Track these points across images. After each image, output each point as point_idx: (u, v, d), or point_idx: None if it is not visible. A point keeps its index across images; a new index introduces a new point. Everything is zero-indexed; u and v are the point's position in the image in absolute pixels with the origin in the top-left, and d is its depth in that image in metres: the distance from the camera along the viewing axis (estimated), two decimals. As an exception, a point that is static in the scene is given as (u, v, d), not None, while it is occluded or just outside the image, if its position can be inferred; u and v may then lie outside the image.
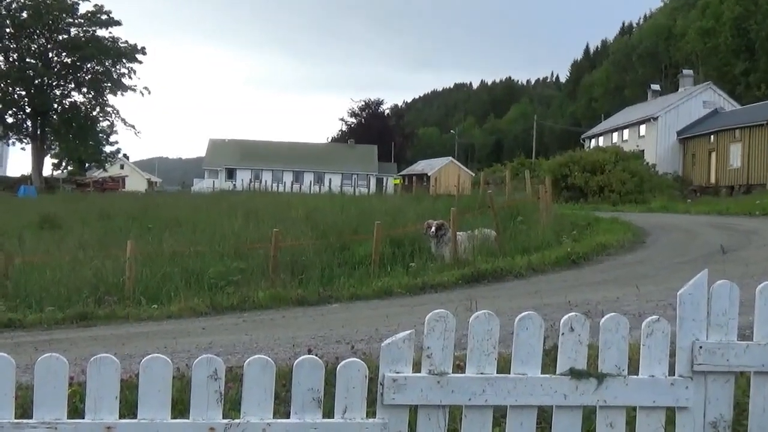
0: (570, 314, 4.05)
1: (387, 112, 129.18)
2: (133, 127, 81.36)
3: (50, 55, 68.31)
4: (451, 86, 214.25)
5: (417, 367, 3.94)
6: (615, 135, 69.12)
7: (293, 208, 27.42)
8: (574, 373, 3.99)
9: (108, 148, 73.89)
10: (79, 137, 68.17)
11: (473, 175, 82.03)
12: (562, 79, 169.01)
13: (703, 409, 4.12)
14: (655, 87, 77.80)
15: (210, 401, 3.72)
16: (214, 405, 3.73)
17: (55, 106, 68.73)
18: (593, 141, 73.18)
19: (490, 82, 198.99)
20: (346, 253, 18.23)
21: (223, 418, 3.76)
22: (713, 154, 54.73)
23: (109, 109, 71.26)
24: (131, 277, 14.20)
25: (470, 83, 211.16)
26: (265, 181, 70.91)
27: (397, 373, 3.86)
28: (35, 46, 68.16)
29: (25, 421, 3.61)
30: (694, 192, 50.98)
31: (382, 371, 3.87)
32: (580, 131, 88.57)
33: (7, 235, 22.42)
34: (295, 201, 32.78)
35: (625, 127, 67.54)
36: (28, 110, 66.76)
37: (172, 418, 3.74)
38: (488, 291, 13.20)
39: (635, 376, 4.07)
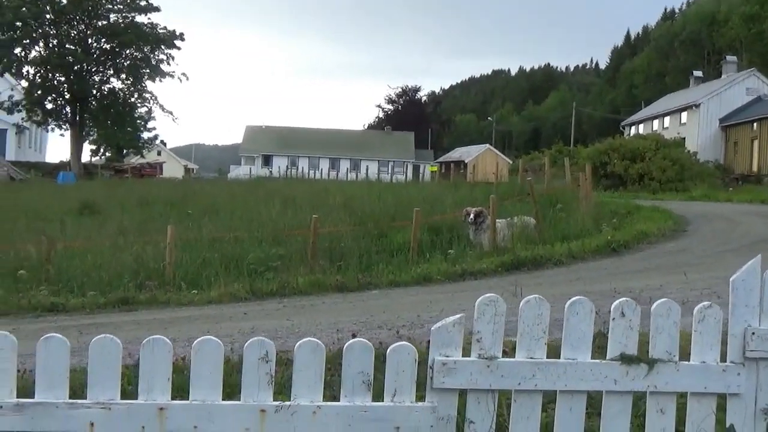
0: (621, 299, 4.02)
1: (424, 98, 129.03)
2: (171, 113, 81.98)
3: (89, 41, 68.67)
4: (489, 73, 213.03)
5: (466, 352, 3.93)
6: (656, 122, 68.40)
7: (331, 195, 27.47)
8: (625, 359, 3.96)
9: (146, 135, 74.37)
10: (118, 123, 68.58)
11: (510, 162, 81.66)
12: (602, 66, 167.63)
13: (754, 395, 4.08)
14: (698, 74, 76.83)
15: (261, 383, 3.74)
16: (265, 387, 3.75)
17: (94, 92, 69.13)
18: (633, 128, 72.50)
19: (528, 69, 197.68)
20: (384, 241, 18.26)
21: (274, 400, 3.78)
22: (756, 142, 53.98)
23: (147, 95, 71.63)
24: (171, 262, 14.31)
25: (508, 69, 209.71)
26: (302, 168, 71.04)
27: (447, 356, 3.85)
28: (75, 33, 68.54)
29: (79, 401, 3.65)
30: (735, 180, 50.31)
31: (431, 355, 3.87)
32: (620, 119, 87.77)
33: (47, 221, 22.69)
34: (332, 188, 32.85)
35: (666, 114, 66.81)
36: (68, 96, 67.21)
37: (222, 400, 3.77)
38: (529, 278, 13.14)
39: (686, 362, 4.04)
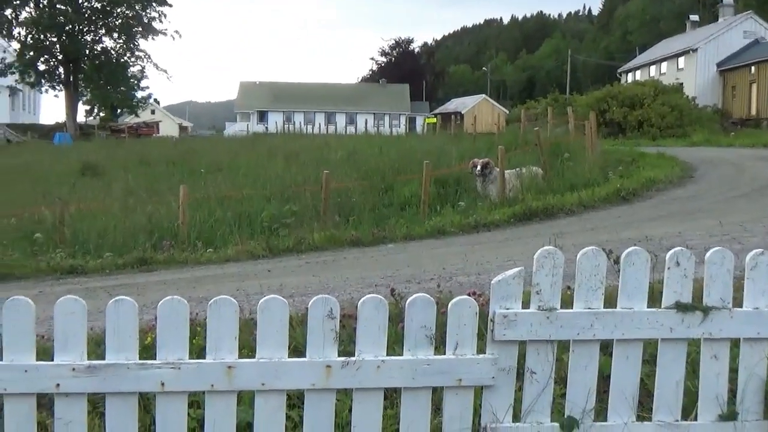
0: (676, 249, 4.07)
1: (417, 50, 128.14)
2: (165, 71, 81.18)
3: (80, 0, 68.01)
4: (482, 22, 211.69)
5: (524, 305, 3.99)
6: (653, 68, 68.05)
7: (332, 150, 27.45)
8: (680, 307, 4.02)
9: (139, 94, 73.86)
10: (111, 83, 68.06)
11: (507, 112, 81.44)
12: (595, 12, 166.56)
13: (806, 340, 4.14)
14: (694, 18, 76.17)
15: (326, 340, 3.80)
16: (330, 343, 3.81)
17: (87, 52, 68.48)
18: (630, 75, 72.14)
19: (520, 17, 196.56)
20: (391, 194, 18.31)
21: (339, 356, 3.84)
22: (754, 86, 53.81)
23: (140, 53, 71.06)
24: (185, 222, 14.34)
25: (501, 18, 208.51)
26: (298, 123, 70.72)
27: (507, 309, 3.91)
28: (65, -8, 67.88)
29: (149, 361, 3.71)
30: (734, 125, 50.24)
31: (492, 308, 3.92)
32: (615, 65, 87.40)
33: (51, 183, 22.66)
34: (333, 142, 32.79)
35: (663, 59, 66.44)
36: (60, 57, 66.57)
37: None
38: (542, 228, 13.18)
39: (740, 309, 4.10)
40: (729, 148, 31.25)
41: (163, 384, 3.70)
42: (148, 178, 23.65)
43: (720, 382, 4.11)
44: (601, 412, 4.12)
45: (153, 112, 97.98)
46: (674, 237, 9.86)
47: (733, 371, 4.19)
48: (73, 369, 3.64)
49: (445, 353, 3.92)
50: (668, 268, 4.04)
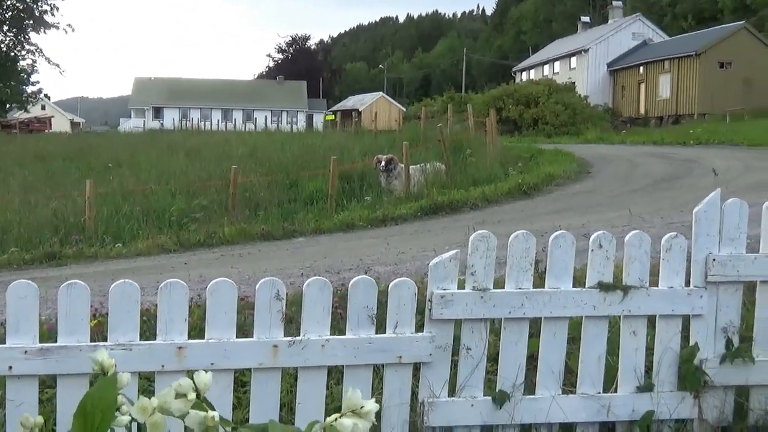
0: (599, 232, 4.35)
1: (314, 47, 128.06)
2: (57, 65, 79.39)
3: (-32, -8, 65.87)
4: (378, 20, 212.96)
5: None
6: (546, 68, 69.73)
7: (234, 147, 27.39)
8: (603, 286, 4.30)
9: (30, 88, 71.84)
10: (0, 77, 66.13)
11: (405, 109, 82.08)
12: (489, 12, 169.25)
13: (715, 316, 4.47)
14: (585, 19, 78.41)
15: (273, 320, 3.95)
16: (277, 324, 3.96)
17: (-25, 45, 66.42)
18: (525, 74, 73.69)
19: (416, 16, 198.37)
20: (296, 190, 18.47)
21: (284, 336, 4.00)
22: (642, 86, 55.75)
23: (31, 47, 69.09)
24: (92, 216, 14.20)
25: (396, 17, 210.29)
26: (194, 120, 69.97)
27: (444, 290, 4.13)
28: (-49, -17, 65.60)
29: (101, 343, 3.80)
30: (624, 123, 51.94)
31: (430, 288, 4.13)
32: (509, 65, 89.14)
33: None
34: (233, 139, 32.69)
35: (557, 59, 68.15)
36: (-53, 50, 64.51)
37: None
38: (450, 222, 13.53)
39: (656, 288, 4.40)
40: (621, 146, 32.35)
41: (115, 365, 3.78)
42: (46, 174, 23.20)
43: (638, 356, 4.41)
44: (528, 387, 4.37)
45: (43, 107, 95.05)
46: (578, 228, 10.24)
47: (649, 349, 4.51)
48: (26, 351, 3.70)
49: (385, 332, 4.11)
50: (591, 250, 4.32)
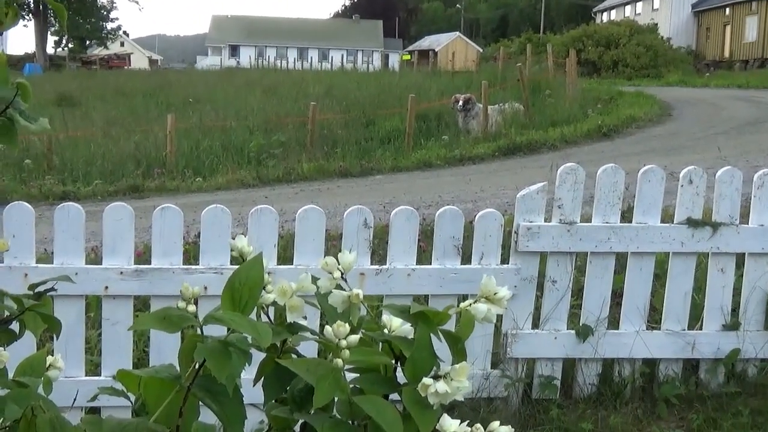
0: (689, 167, 4.29)
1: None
2: (136, 2, 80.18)
3: (50, -73, 66.57)
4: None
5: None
6: (628, 8, 67.89)
7: (310, 85, 27.43)
8: (691, 222, 4.25)
9: (109, 25, 72.92)
10: (80, 13, 67.16)
11: (481, 50, 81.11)
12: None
13: (808, 254, 4.39)
14: (669, -43, 76.08)
15: (360, 248, 3.99)
16: (364, 252, 4.00)
17: (56, -20, 67.37)
18: (605, 15, 71.98)
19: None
20: (373, 128, 18.47)
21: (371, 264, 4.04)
22: (728, 28, 53.99)
23: (110, -17, 70.10)
24: (173, 150, 14.44)
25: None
26: (270, 58, 70.13)
27: (531, 222, 4.12)
28: None
29: (194, 266, 3.90)
30: (707, 66, 50.51)
31: (516, 220, 4.14)
32: (589, 5, 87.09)
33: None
34: (309, 78, 32.70)
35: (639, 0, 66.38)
36: (29, -15, 65.56)
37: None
38: (528, 162, 13.43)
39: (746, 225, 4.33)
40: (704, 89, 31.54)
41: (206, 288, 3.87)
42: (128, 109, 23.58)
43: (725, 294, 4.37)
44: (612, 323, 4.36)
45: (122, 44, 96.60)
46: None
47: (735, 288, 4.45)
48: (121, 272, 3.82)
49: (471, 263, 4.13)
50: (681, 186, 4.26)
